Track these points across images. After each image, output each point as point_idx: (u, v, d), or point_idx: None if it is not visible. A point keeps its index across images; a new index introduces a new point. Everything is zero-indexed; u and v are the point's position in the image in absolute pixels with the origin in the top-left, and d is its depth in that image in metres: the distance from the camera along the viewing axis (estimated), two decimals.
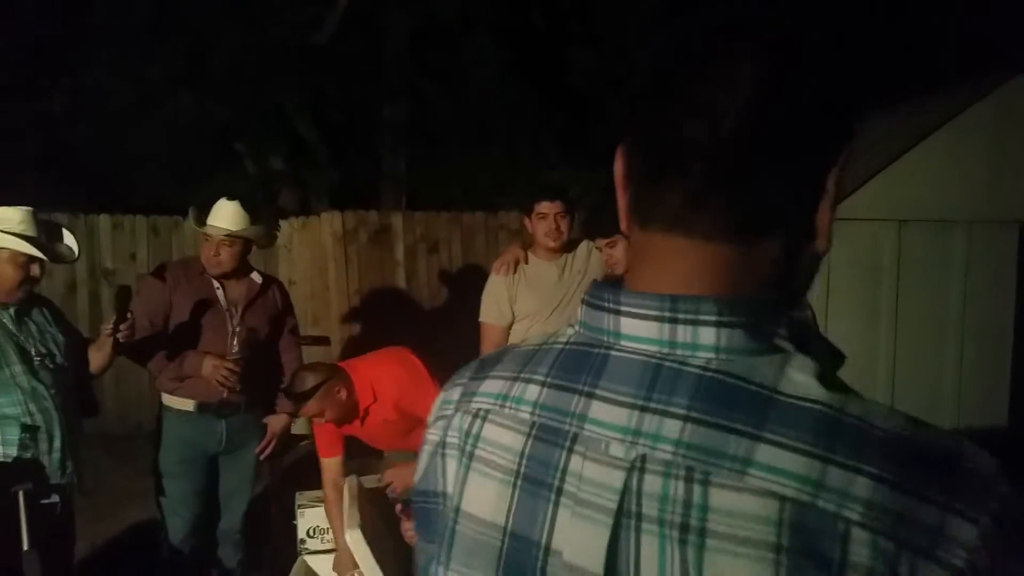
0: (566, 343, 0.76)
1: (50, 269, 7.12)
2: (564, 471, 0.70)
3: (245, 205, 3.53)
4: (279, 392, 3.75)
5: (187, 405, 3.50)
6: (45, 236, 2.96)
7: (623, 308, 0.71)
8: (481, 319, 3.77)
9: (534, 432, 0.73)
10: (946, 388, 3.32)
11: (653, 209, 0.72)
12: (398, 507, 2.59)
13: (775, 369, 0.65)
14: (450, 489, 0.80)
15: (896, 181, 3.23)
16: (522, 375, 0.77)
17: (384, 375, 3.33)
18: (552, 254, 3.66)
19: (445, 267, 7.30)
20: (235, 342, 3.47)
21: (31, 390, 2.83)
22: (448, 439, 0.81)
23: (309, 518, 3.65)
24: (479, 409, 0.79)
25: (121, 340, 3.06)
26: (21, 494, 2.68)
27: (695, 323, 0.67)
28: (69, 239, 3.07)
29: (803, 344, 0.67)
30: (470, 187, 8.23)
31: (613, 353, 0.71)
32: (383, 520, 3.65)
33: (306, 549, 3.60)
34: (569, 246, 3.68)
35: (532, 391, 0.75)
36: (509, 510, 0.73)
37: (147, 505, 4.82)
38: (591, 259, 3.67)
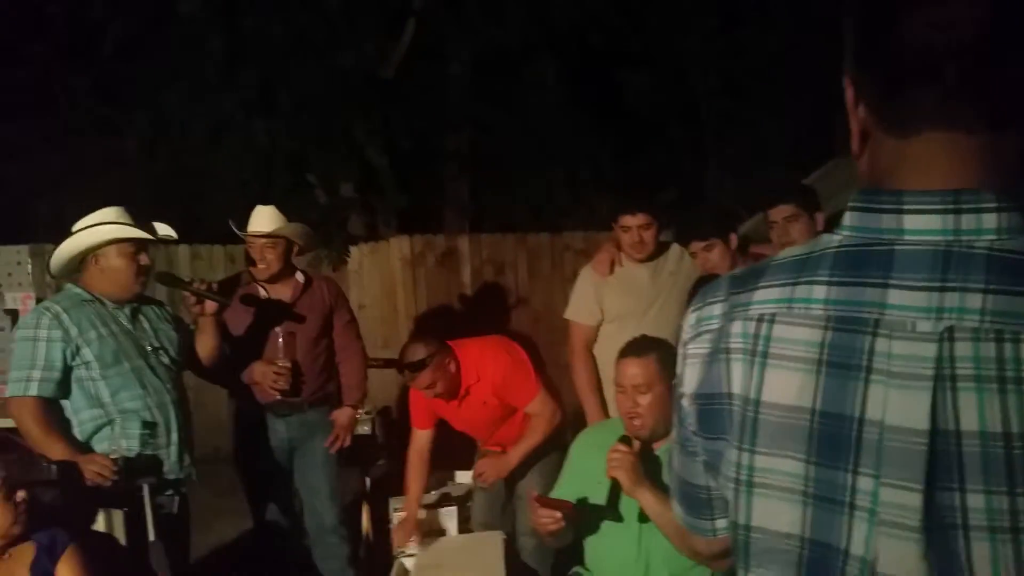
0: (838, 247, 0.87)
1: None
2: (871, 352, 0.81)
3: (280, 208, 3.71)
4: (343, 386, 3.86)
5: (253, 407, 3.67)
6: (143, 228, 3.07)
7: (905, 207, 0.82)
8: (568, 316, 3.79)
9: (831, 325, 0.84)
10: None
11: (909, 115, 0.83)
12: (533, 494, 2.61)
13: None
14: (738, 389, 0.91)
15: None
16: (802, 279, 0.87)
17: (490, 358, 3.41)
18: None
19: (512, 289, 7.36)
20: (280, 343, 3.55)
21: (149, 384, 2.94)
22: (730, 345, 0.92)
23: None
24: (763, 314, 0.89)
25: (208, 312, 3.17)
26: (146, 487, 2.77)
27: (978, 211, 0.79)
28: (165, 228, 3.17)
29: None
30: (534, 209, 8.33)
31: (898, 248, 0.82)
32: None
33: (403, 552, 3.63)
34: (660, 248, 3.68)
35: (819, 291, 0.85)
36: (815, 393, 0.84)
37: (233, 520, 4.94)
38: (685, 258, 3.67)
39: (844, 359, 0.82)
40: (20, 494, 2.33)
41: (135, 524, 2.73)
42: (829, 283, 0.84)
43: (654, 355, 2.61)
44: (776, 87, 8.29)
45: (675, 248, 3.72)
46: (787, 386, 0.86)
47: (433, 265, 7.28)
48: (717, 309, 0.95)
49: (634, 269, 3.67)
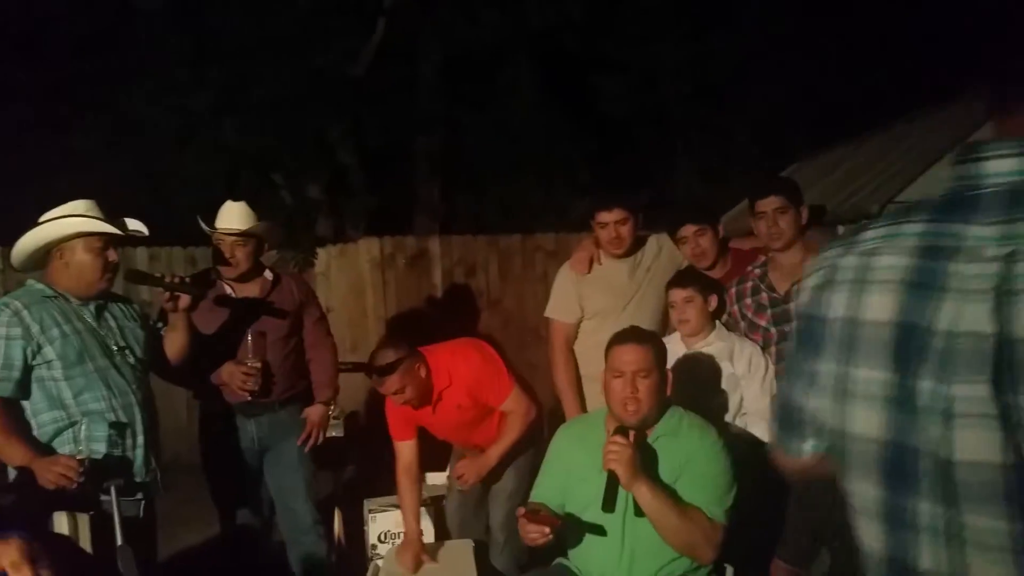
0: (942, 196, 1.07)
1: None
2: (948, 274, 0.99)
3: (251, 205, 3.60)
4: (313, 384, 3.79)
5: (222, 408, 3.57)
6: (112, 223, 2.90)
7: (988, 154, 1.03)
8: (548, 314, 3.77)
9: (919, 253, 1.03)
10: None
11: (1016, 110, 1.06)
12: (520, 511, 2.55)
13: None
14: (840, 312, 1.10)
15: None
16: (904, 220, 1.08)
17: (460, 359, 3.34)
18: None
19: (483, 290, 7.30)
20: (250, 343, 3.47)
21: (114, 385, 2.81)
22: (837, 277, 1.13)
23: (380, 523, 3.65)
24: (867, 248, 1.10)
25: (182, 307, 3.05)
26: (113, 489, 2.65)
27: None
28: (135, 223, 2.99)
29: None
30: (505, 211, 8.31)
31: (982, 192, 1.02)
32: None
33: (378, 555, 3.56)
34: (638, 243, 3.67)
35: (915, 227, 1.06)
36: (900, 309, 1.03)
37: (198, 528, 4.83)
38: (662, 253, 3.67)
39: (926, 280, 1.00)
40: None
41: (102, 528, 2.61)
42: (925, 221, 1.05)
43: (651, 343, 2.63)
44: (743, 93, 8.40)
45: (652, 242, 3.72)
46: (880, 305, 1.04)
47: (403, 267, 7.21)
48: (833, 252, 1.16)
49: (612, 265, 3.66)
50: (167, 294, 3.02)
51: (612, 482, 2.43)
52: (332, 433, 4.01)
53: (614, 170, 8.36)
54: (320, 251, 7.26)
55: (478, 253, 7.31)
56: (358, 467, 6.11)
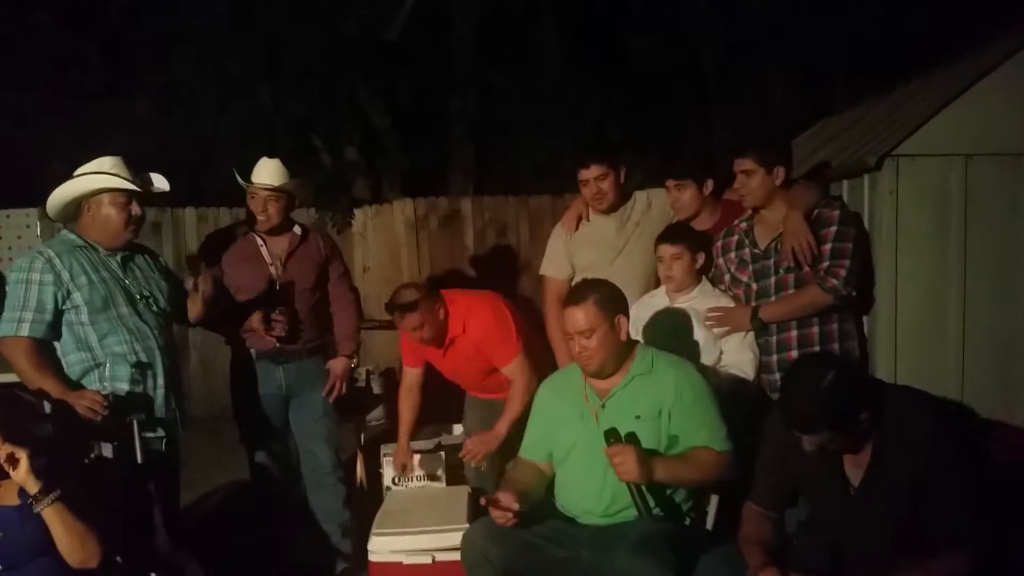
0: None
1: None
2: None
3: (291, 167, 3.78)
4: (336, 337, 3.98)
5: (250, 355, 3.78)
6: (137, 179, 3.10)
7: None
8: (541, 271, 3.92)
9: None
10: (1018, 319, 3.36)
11: None
12: (482, 501, 2.71)
13: None
14: None
15: (960, 117, 3.28)
16: None
17: (477, 315, 3.52)
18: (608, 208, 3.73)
19: (514, 250, 7.44)
20: (277, 292, 3.69)
21: (136, 330, 3.04)
22: None
23: None
24: None
25: (206, 298, 3.29)
26: (135, 422, 2.89)
27: None
28: (160, 180, 3.20)
29: None
30: (537, 171, 8.39)
31: None
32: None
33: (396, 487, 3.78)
34: (625, 198, 3.76)
35: None
36: None
37: (235, 473, 5.08)
38: (652, 208, 3.74)
39: None
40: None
41: (124, 457, 2.86)
42: None
43: (592, 299, 2.70)
44: (779, 47, 8.29)
45: (640, 196, 3.80)
46: None
47: (436, 227, 7.39)
48: None
49: (600, 221, 3.76)
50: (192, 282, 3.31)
51: (633, 489, 2.59)
52: (356, 383, 4.22)
53: (646, 128, 8.35)
54: (357, 212, 7.48)
55: (509, 213, 7.44)
56: (391, 420, 6.36)
